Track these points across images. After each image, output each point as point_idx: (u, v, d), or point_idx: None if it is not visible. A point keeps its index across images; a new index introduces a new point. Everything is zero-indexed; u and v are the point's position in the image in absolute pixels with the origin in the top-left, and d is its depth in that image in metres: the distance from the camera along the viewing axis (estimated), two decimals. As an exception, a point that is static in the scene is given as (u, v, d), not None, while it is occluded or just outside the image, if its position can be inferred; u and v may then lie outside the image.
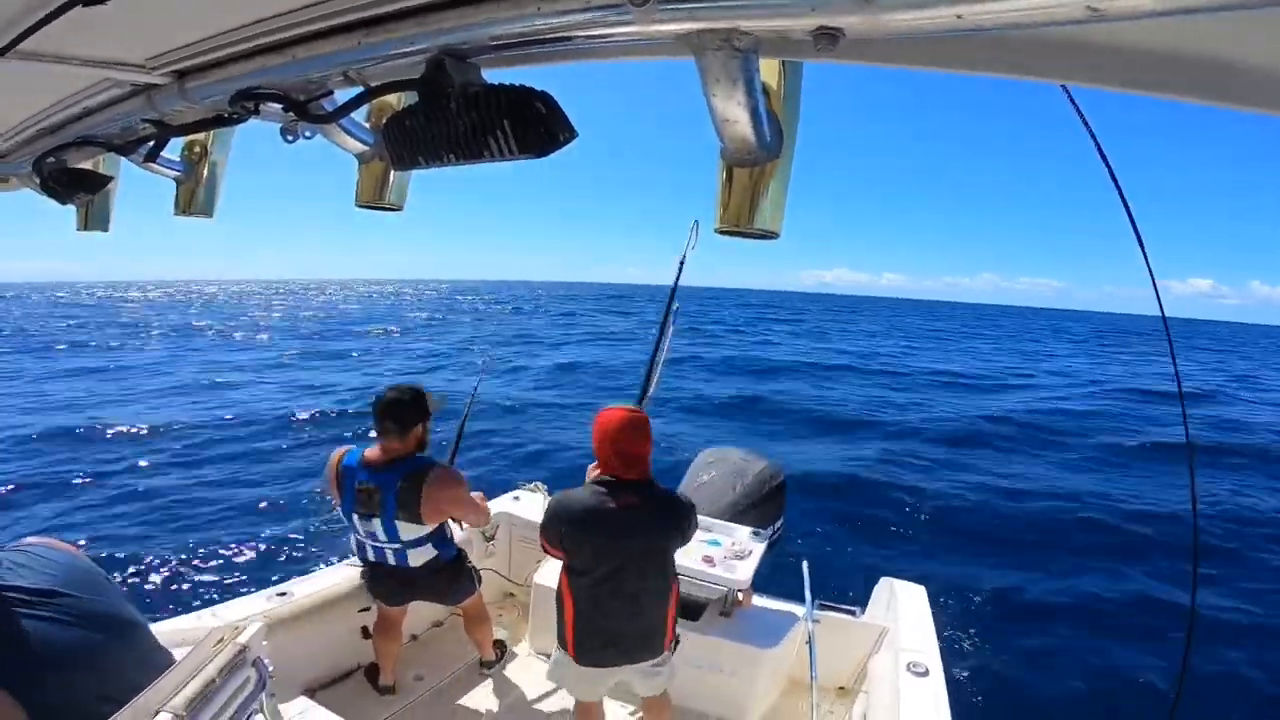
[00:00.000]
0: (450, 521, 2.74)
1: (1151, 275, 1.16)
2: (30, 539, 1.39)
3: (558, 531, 2.13)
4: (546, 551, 2.24)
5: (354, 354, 23.68)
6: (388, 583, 2.72)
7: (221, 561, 6.42)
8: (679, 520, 2.18)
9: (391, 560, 2.62)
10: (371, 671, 2.97)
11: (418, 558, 2.62)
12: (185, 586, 5.94)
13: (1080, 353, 41.19)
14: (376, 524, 2.53)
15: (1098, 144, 0.99)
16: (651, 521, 2.13)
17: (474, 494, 2.71)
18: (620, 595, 2.14)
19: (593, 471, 2.22)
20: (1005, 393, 19.97)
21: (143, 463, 9.40)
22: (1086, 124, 0.92)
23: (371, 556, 2.66)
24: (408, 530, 2.54)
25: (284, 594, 2.83)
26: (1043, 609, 6.28)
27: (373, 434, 2.58)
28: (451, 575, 2.76)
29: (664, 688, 2.40)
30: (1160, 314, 1.23)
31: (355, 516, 2.56)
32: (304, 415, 12.58)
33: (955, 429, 13.76)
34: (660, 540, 2.17)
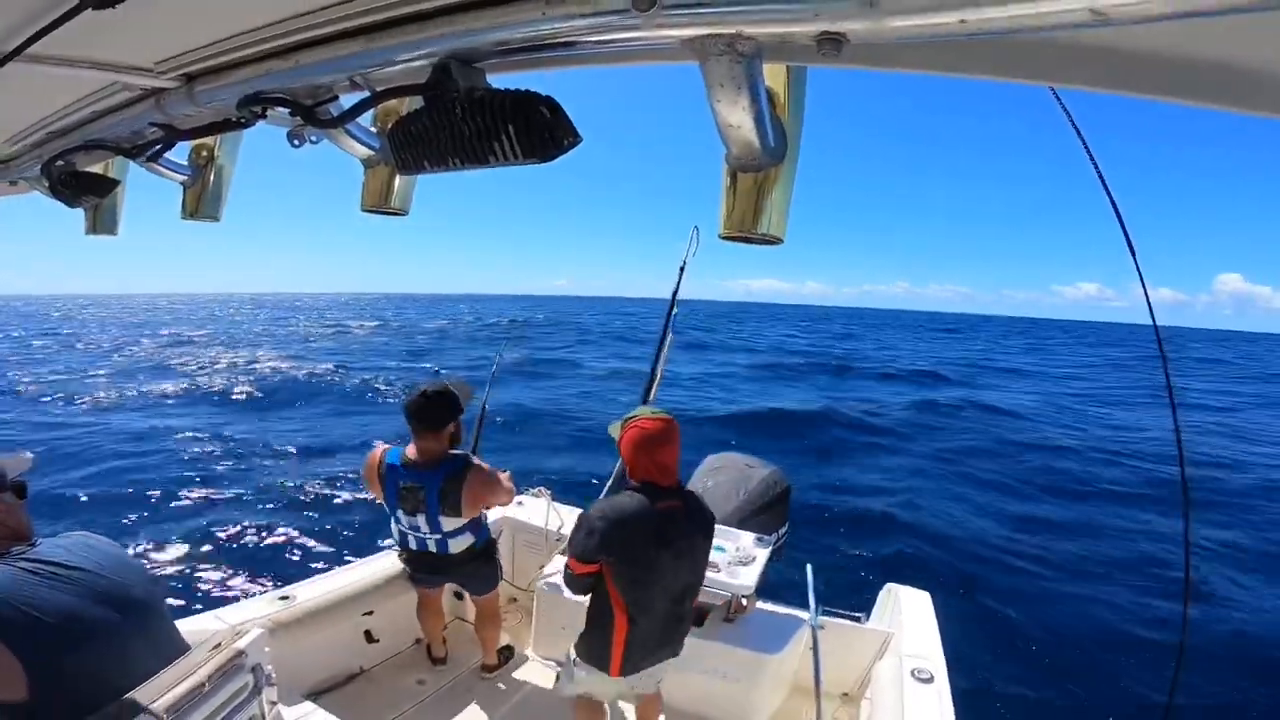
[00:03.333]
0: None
1: (1143, 282, 1.15)
2: (78, 531, 1.52)
3: (599, 540, 2.06)
4: (575, 577, 2.16)
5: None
6: (427, 568, 2.89)
7: (229, 558, 6.43)
8: (711, 521, 2.25)
9: (433, 549, 2.77)
10: (427, 649, 3.21)
11: (458, 545, 2.78)
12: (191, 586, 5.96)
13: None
14: (421, 519, 2.69)
15: (1088, 148, 0.99)
16: (693, 524, 2.18)
17: (501, 474, 2.86)
18: (670, 599, 2.19)
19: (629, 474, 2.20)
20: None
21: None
22: (1077, 129, 0.92)
23: (414, 545, 2.81)
24: (450, 522, 2.70)
25: (287, 598, 2.83)
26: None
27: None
28: (484, 560, 2.93)
29: (658, 683, 2.45)
30: (1151, 323, 1.23)
31: (400, 512, 2.71)
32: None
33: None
34: (702, 541, 2.22)
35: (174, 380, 18.29)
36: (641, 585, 2.13)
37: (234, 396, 15.88)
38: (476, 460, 2.74)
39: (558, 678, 2.53)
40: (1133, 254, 1.14)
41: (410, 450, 2.66)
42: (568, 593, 2.34)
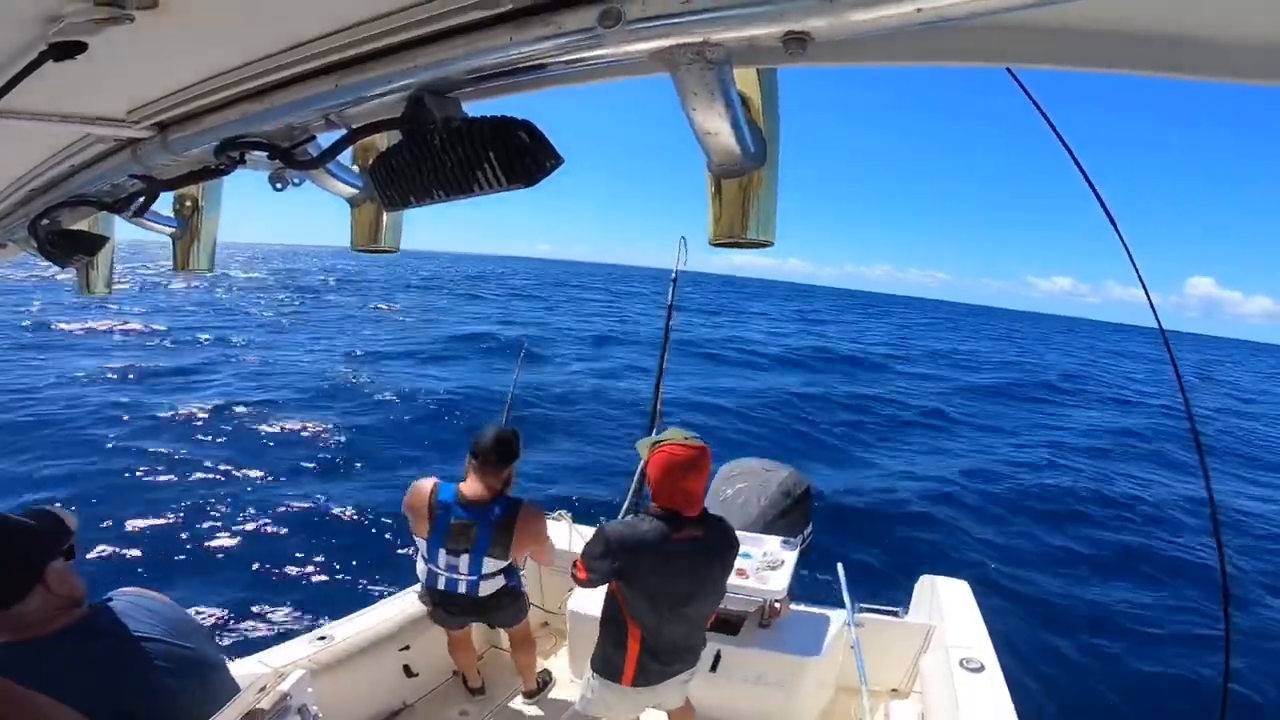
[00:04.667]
0: None
1: (1143, 283, 1.14)
2: (127, 589, 1.51)
3: (611, 562, 2.08)
4: (581, 580, 2.19)
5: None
6: (451, 610, 2.83)
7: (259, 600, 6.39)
8: (734, 548, 2.24)
9: (464, 590, 2.71)
10: (463, 679, 3.20)
11: (489, 588, 2.73)
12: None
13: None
14: (464, 559, 2.63)
15: (1063, 140, 0.99)
16: (713, 553, 2.17)
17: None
18: (684, 621, 2.19)
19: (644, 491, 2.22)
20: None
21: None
22: (1039, 106, 0.92)
23: (442, 586, 2.73)
24: (491, 564, 2.66)
25: (324, 638, 2.82)
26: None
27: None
28: (512, 599, 2.88)
29: (684, 696, 2.45)
30: (1156, 324, 1.22)
31: (442, 550, 2.64)
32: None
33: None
34: (720, 570, 2.22)
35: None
36: (653, 610, 2.13)
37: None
38: (528, 502, 2.73)
39: (579, 702, 2.52)
40: (1129, 255, 1.13)
41: (465, 487, 2.63)
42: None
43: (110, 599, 1.44)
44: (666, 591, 2.11)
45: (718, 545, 2.18)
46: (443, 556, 2.64)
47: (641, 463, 2.26)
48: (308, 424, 11.02)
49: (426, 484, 2.66)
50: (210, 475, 8.86)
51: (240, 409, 11.63)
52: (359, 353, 18.71)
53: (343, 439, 10.51)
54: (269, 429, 10.77)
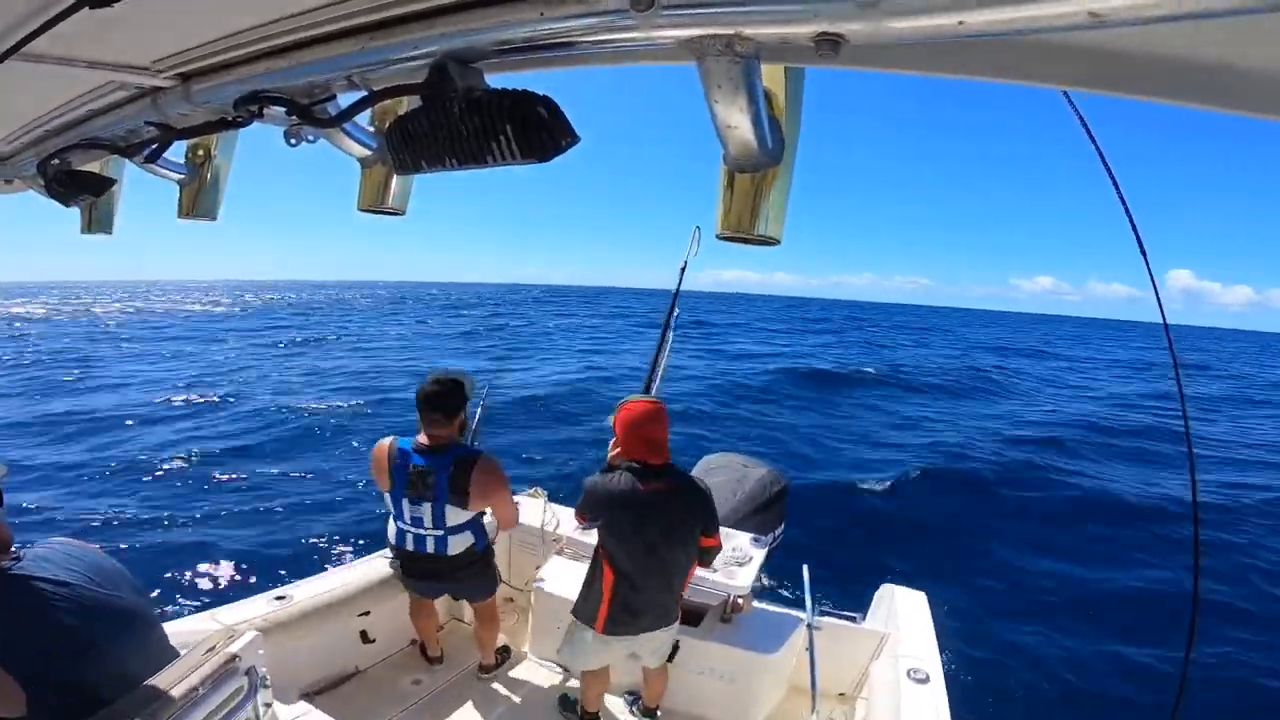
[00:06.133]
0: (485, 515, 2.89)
1: (1153, 280, 1.15)
2: (58, 538, 1.49)
3: (593, 510, 2.34)
4: (581, 523, 2.44)
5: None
6: (423, 572, 2.85)
7: (220, 564, 6.41)
8: (702, 501, 2.36)
9: (431, 548, 2.73)
10: (423, 649, 3.20)
11: (457, 545, 2.74)
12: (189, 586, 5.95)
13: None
14: (426, 508, 2.66)
15: (1099, 149, 0.99)
16: (679, 503, 2.32)
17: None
18: (655, 571, 2.34)
19: (613, 450, 2.39)
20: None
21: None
22: (1088, 129, 0.92)
23: (410, 545, 2.76)
24: (454, 515, 2.67)
25: (283, 598, 2.83)
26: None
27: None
28: (482, 567, 2.90)
29: (665, 657, 2.59)
30: (1162, 320, 1.23)
31: (405, 501, 2.67)
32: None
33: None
34: (688, 519, 2.34)
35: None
36: (626, 555, 2.32)
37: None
38: (486, 453, 2.76)
39: (559, 650, 2.64)
40: (1143, 254, 1.14)
41: (421, 437, 2.68)
42: (572, 594, 2.52)
43: (31, 544, 1.43)
44: (639, 539, 2.28)
45: (685, 492, 2.33)
46: (406, 508, 2.68)
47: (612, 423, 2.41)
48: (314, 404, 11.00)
49: (386, 441, 2.74)
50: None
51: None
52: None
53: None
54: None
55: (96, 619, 1.38)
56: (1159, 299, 1.19)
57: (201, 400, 14.10)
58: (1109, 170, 1.04)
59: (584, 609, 2.46)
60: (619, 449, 2.36)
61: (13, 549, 1.39)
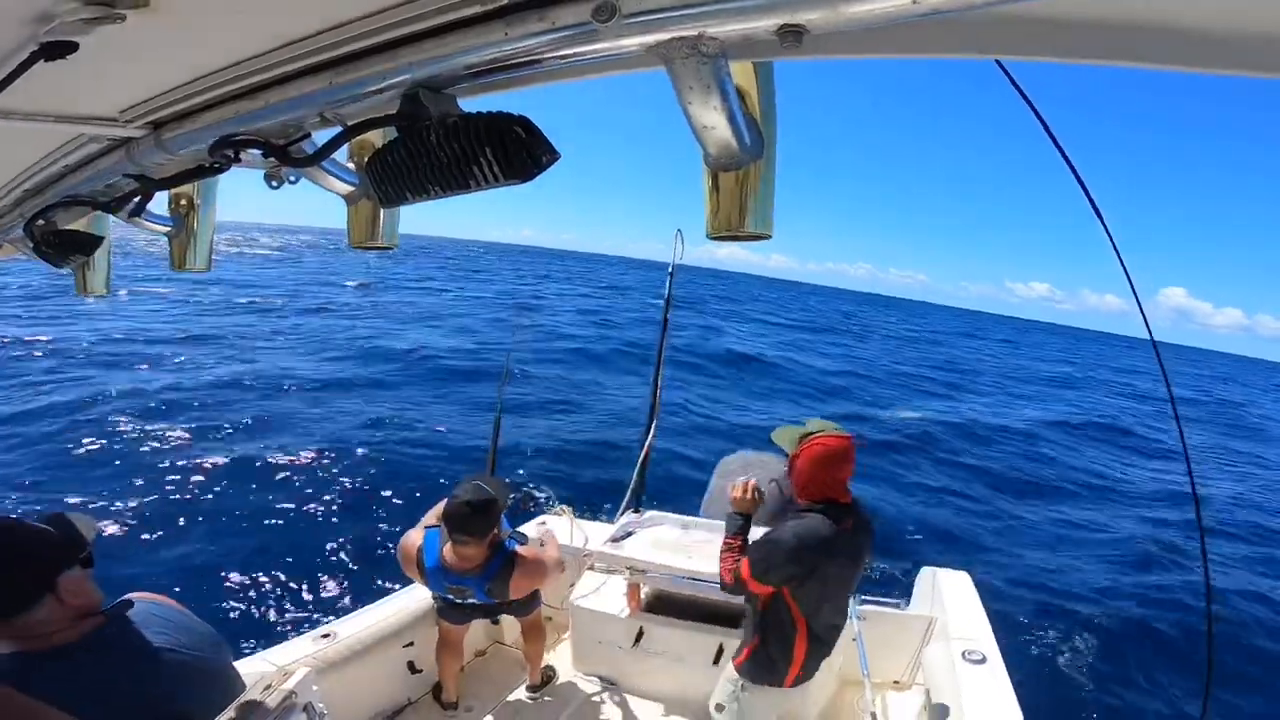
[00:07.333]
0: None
1: (1133, 288, 1.14)
2: (141, 594, 1.48)
3: (798, 566, 2.05)
4: (756, 587, 2.12)
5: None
6: (464, 612, 2.84)
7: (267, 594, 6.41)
8: (872, 531, 2.26)
9: (473, 601, 2.74)
10: (437, 690, 3.10)
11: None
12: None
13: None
14: (470, 598, 2.69)
15: (1075, 171, 0.98)
16: (866, 539, 2.22)
17: (547, 546, 2.85)
18: (841, 612, 2.26)
19: (794, 489, 2.20)
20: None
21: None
22: (1058, 145, 0.92)
23: (454, 599, 2.77)
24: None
25: (328, 635, 2.83)
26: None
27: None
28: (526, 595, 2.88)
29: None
30: (1148, 334, 1.22)
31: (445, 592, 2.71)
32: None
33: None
34: (867, 553, 2.25)
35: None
36: (824, 600, 2.16)
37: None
38: (520, 550, 2.67)
39: (718, 708, 2.35)
40: (1122, 264, 1.13)
41: (449, 554, 2.56)
42: (608, 607, 2.56)
43: (127, 604, 1.41)
44: (839, 581, 2.18)
45: (865, 527, 2.22)
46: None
47: (788, 457, 2.20)
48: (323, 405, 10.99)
49: (412, 544, 2.65)
50: (205, 465, 8.87)
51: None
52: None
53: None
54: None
55: (186, 685, 1.38)
56: (1143, 315, 1.18)
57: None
58: (1084, 187, 1.04)
59: (765, 671, 2.18)
60: (803, 490, 2.15)
61: (101, 611, 1.37)
